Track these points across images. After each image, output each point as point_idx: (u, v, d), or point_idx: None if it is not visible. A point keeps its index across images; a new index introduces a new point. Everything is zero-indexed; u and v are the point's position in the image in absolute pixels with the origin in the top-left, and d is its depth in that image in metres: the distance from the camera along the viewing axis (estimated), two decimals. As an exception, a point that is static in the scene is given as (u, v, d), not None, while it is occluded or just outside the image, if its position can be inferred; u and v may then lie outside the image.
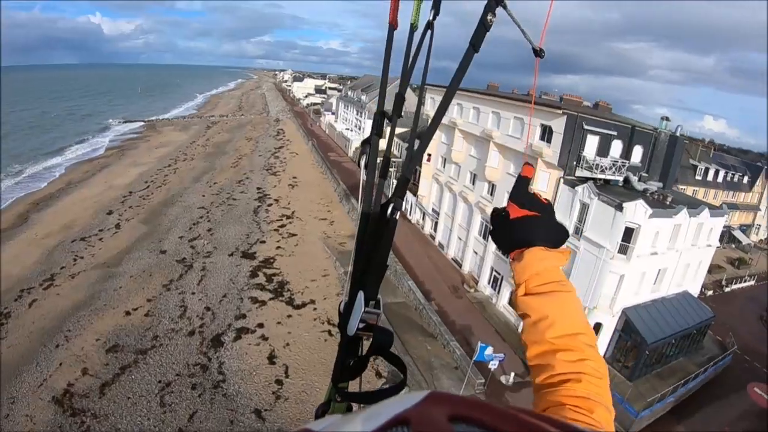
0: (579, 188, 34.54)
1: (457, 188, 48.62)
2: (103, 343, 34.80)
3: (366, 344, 1.50)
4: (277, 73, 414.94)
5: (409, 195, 59.94)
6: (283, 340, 35.99)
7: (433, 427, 0.52)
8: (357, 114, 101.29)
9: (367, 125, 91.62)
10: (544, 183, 37.14)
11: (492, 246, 43.10)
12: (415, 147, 1.63)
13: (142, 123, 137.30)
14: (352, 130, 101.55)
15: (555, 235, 1.80)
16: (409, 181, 1.49)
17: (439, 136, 52.76)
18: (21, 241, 51.65)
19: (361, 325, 1.41)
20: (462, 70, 1.45)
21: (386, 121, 1.70)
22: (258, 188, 72.44)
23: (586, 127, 35.72)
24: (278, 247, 51.40)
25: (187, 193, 68.82)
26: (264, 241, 52.89)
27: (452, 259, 51.00)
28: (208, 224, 57.11)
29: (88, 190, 69.92)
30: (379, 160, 1.68)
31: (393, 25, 1.56)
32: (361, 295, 1.41)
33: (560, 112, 35.41)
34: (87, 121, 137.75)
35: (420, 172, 57.10)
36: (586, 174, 36.01)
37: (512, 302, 1.81)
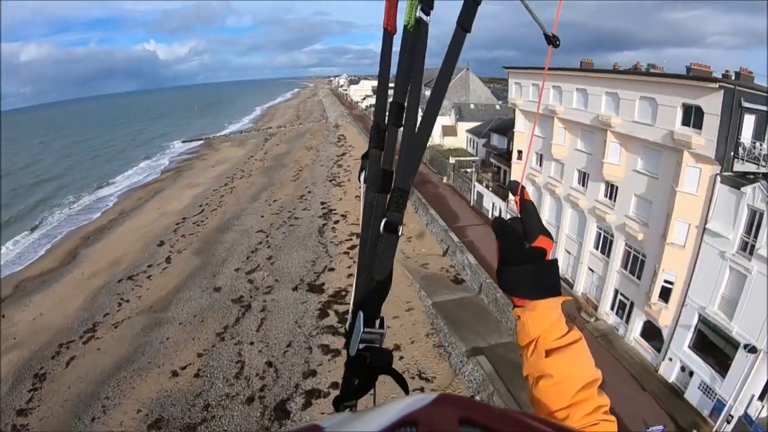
0: (747, 189, 24.92)
1: (562, 191, 39.37)
2: (145, 416, 28.65)
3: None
4: (332, 79, 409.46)
5: (497, 200, 51.16)
6: (364, 407, 27.61)
7: (441, 430, 0.52)
8: (420, 111, 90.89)
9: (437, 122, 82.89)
10: (693, 183, 27.72)
11: (615, 263, 34.60)
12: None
13: (200, 142, 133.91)
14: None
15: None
16: (407, 192, 1.35)
17: (529, 128, 44.11)
18: (67, 282, 47.13)
19: (362, 346, 1.37)
20: (452, 56, 1.29)
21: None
22: (322, 203, 64.44)
23: (744, 104, 26.15)
24: (350, 275, 43.08)
25: (244, 214, 61.83)
26: (333, 269, 45.10)
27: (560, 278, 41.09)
28: (268, 251, 49.78)
29: (141, 219, 65.02)
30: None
31: (389, 30, 1.46)
32: (360, 316, 1.36)
33: (716, 86, 25.95)
34: (147, 146, 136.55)
35: (508, 173, 48.27)
36: (750, 168, 26.54)
37: (527, 364, 1.56)
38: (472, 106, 79.24)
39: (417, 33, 1.35)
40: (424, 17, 1.31)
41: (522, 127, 45.15)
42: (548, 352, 1.50)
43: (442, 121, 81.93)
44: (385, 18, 1.42)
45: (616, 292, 35.03)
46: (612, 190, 34.63)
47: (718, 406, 26.44)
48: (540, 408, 1.50)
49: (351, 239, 51.08)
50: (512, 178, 45.21)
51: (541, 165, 42.90)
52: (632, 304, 33.26)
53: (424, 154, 1.40)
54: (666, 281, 29.88)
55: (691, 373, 28.52)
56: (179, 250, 52.16)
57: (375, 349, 1.38)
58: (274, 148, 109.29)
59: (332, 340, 34.23)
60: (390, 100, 1.47)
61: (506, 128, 55.69)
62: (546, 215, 42.38)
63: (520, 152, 45.66)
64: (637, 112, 30.74)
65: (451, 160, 66.55)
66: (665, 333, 30.41)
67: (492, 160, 57.58)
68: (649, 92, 29.87)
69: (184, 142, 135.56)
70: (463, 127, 75.54)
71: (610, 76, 33.41)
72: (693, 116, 27.47)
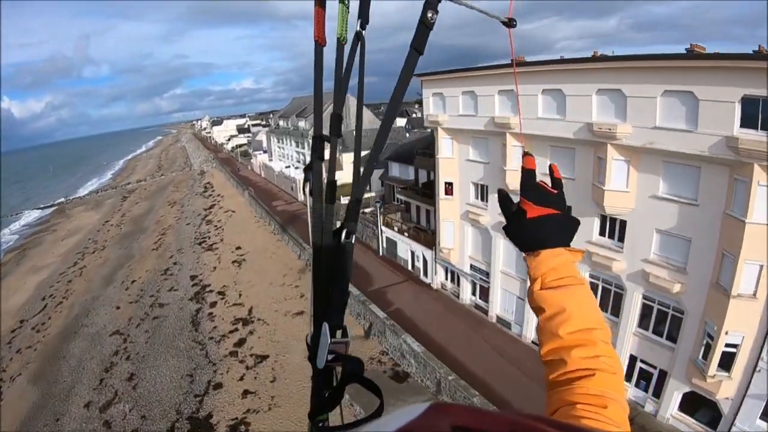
0: None
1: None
2: None
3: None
4: (194, 123, 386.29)
5: (418, 247, 38.19)
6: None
7: None
8: (297, 146, 77.74)
9: (315, 157, 68.81)
10: (764, 207, 17.13)
11: (631, 324, 23.56)
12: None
13: (52, 209, 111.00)
14: (296, 167, 76.91)
15: (571, 231, 1.63)
16: (360, 202, 1.38)
17: (463, 152, 31.58)
18: None
19: (330, 357, 1.32)
20: (406, 78, 1.28)
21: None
22: (192, 277, 47.64)
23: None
24: (246, 393, 28.51)
25: (95, 307, 44.31)
26: (220, 384, 29.77)
27: (535, 342, 28.73)
28: (128, 365, 33.52)
29: (-30, 329, 45.48)
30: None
31: (319, 42, 1.39)
32: (325, 327, 1.32)
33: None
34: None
35: (434, 213, 35.75)
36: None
37: (528, 296, 1.61)
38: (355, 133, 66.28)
39: (356, 46, 1.37)
40: (362, 32, 1.35)
41: (449, 151, 32.22)
42: (542, 289, 1.52)
43: (322, 153, 68.12)
44: (315, 31, 1.37)
45: (634, 359, 23.94)
46: (613, 227, 23.02)
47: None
48: (541, 346, 1.49)
49: (236, 329, 35.95)
50: (442, 216, 32.98)
51: (486, 200, 30.45)
52: (662, 373, 22.61)
53: (373, 170, 1.42)
54: (729, 344, 19.54)
55: (769, 449, 19.51)
56: (12, 377, 35.27)
57: (346, 357, 1.32)
58: (133, 208, 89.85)
59: None
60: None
61: (410, 155, 43.29)
62: (501, 262, 30.45)
63: (449, 185, 32.89)
64: (661, 114, 19.15)
65: (343, 200, 51.95)
66: (724, 407, 20.50)
67: (399, 195, 44.64)
68: (679, 84, 18.48)
69: (36, 209, 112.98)
70: (348, 158, 62.66)
71: (608, 66, 21.14)
72: (761, 112, 16.74)
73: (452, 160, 31.98)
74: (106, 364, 34.31)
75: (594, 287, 24.69)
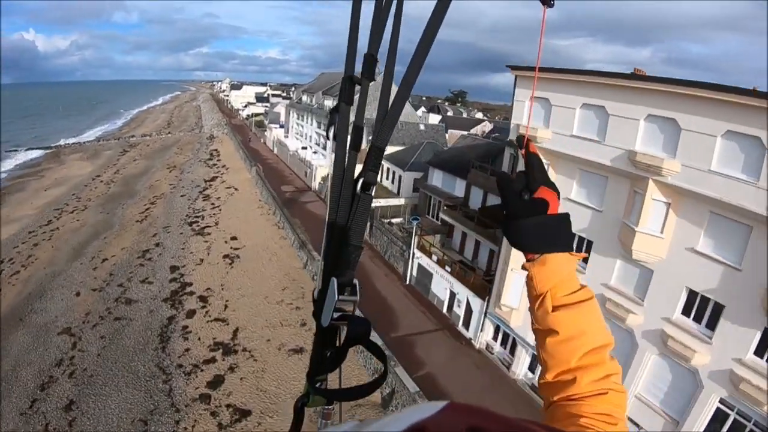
0: None
1: (640, 323, 19.41)
2: None
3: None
4: (215, 84, 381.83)
5: (463, 290, 30.40)
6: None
7: None
8: (319, 126, 69.93)
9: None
10: None
11: None
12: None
13: (48, 150, 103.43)
14: (313, 151, 69.74)
15: (571, 231, 1.46)
16: (382, 150, 1.23)
17: (560, 185, 22.92)
18: None
19: (336, 315, 1.23)
20: (438, 18, 1.14)
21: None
22: (173, 268, 39.66)
23: None
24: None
25: (53, 288, 36.72)
26: (179, 447, 22.28)
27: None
28: (69, 386, 26.04)
29: None
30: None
31: None
32: (334, 282, 1.21)
33: None
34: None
35: (499, 263, 27.96)
36: None
37: (535, 318, 1.44)
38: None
39: None
40: None
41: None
42: (555, 308, 1.37)
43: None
44: None
45: None
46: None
47: None
48: (547, 370, 1.37)
49: (214, 358, 28.12)
50: (512, 264, 25.87)
51: (586, 261, 22.33)
52: None
53: (401, 112, 1.23)
54: None
55: None
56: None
57: (353, 317, 1.23)
58: (129, 165, 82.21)
59: None
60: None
61: (459, 164, 35.60)
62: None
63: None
64: None
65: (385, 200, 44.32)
66: None
67: (443, 215, 36.52)
68: None
69: (33, 149, 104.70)
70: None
71: None
72: None
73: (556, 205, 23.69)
74: (45, 377, 26.80)
75: (723, 415, 17.27)
